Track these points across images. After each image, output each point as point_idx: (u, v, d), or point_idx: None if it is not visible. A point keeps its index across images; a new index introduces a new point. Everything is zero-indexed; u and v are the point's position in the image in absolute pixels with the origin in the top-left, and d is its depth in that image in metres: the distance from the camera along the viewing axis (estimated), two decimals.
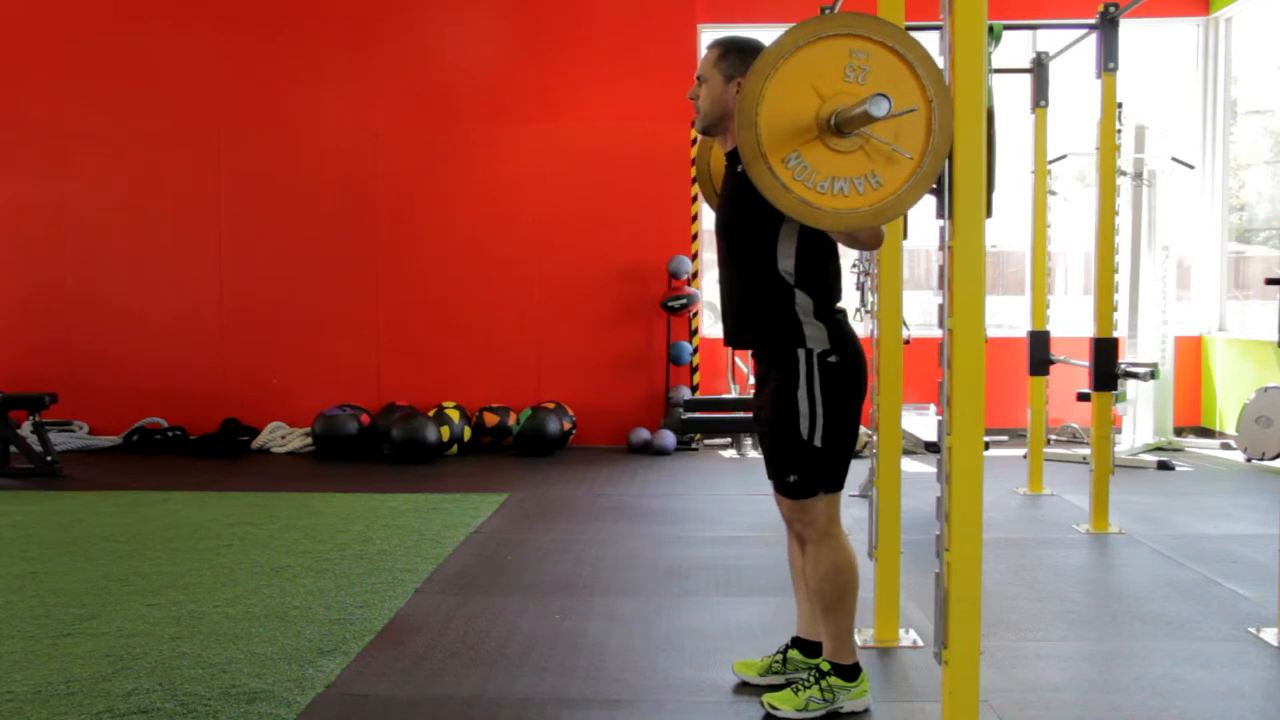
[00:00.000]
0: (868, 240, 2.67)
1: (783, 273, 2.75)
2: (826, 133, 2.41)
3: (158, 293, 8.09)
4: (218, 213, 8.05)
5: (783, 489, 2.80)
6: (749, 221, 2.72)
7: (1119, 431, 7.30)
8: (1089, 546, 4.83)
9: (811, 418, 2.73)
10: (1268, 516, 5.21)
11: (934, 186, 2.44)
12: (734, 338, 2.92)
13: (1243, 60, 8.12)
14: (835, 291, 2.82)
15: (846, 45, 2.41)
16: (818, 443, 2.74)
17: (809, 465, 2.76)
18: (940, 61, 2.42)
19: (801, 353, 2.75)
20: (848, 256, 6.34)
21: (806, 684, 2.86)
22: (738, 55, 2.77)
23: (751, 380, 2.84)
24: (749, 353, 2.96)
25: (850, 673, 2.87)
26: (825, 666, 2.86)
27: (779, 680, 3.07)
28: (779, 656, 3.10)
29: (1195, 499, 5.86)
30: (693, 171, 7.92)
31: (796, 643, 3.11)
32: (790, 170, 2.42)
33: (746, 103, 2.41)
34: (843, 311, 2.83)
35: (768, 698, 2.89)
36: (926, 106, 2.41)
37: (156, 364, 8.06)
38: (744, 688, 3.07)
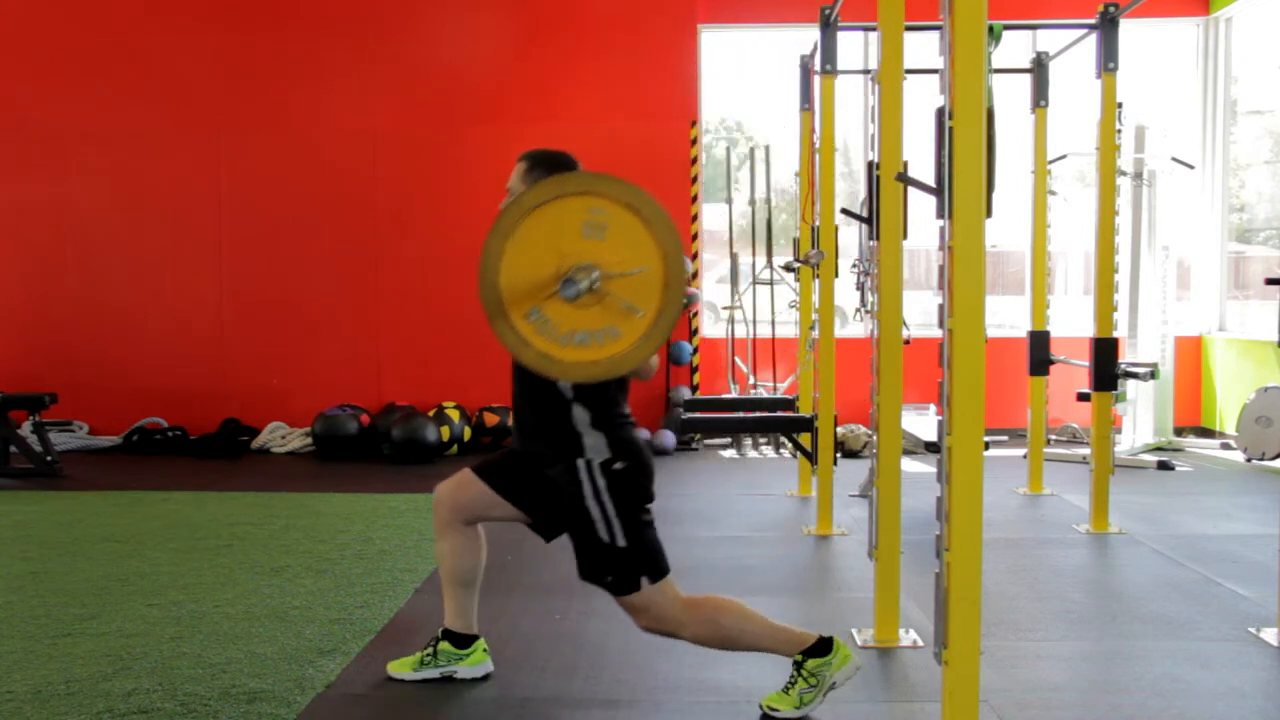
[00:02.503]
0: (638, 374, 2.78)
1: (559, 389, 2.81)
2: (559, 296, 2.49)
3: (158, 293, 8.09)
4: (218, 213, 8.05)
5: (607, 589, 2.86)
6: None
7: (1119, 431, 7.30)
8: (1089, 546, 4.83)
9: (607, 522, 2.81)
10: (1268, 516, 5.21)
11: (934, 188, 2.44)
12: (521, 443, 2.99)
13: (1243, 60, 8.12)
14: (617, 402, 2.88)
15: (584, 204, 2.50)
16: (620, 543, 2.81)
17: (620, 564, 2.82)
18: (940, 62, 2.42)
19: (582, 463, 2.82)
20: (847, 255, 6.34)
21: (792, 680, 2.86)
22: (544, 169, 2.88)
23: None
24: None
25: (821, 648, 2.85)
26: (798, 658, 2.86)
27: (434, 674, 3.13)
28: (430, 650, 3.17)
29: (1195, 499, 5.86)
30: (693, 171, 7.93)
31: (447, 634, 3.16)
32: (532, 325, 2.52)
33: (487, 261, 2.51)
34: (624, 415, 2.90)
35: (765, 701, 2.90)
36: (661, 264, 2.48)
37: (156, 364, 8.06)
38: (744, 689, 3.07)
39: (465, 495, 3.06)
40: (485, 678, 3.18)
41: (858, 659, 2.90)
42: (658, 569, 2.85)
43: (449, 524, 3.08)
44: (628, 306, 2.48)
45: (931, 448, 5.73)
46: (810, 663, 2.84)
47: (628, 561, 2.81)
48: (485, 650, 3.21)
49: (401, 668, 3.19)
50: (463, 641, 3.17)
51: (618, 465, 2.82)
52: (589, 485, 2.81)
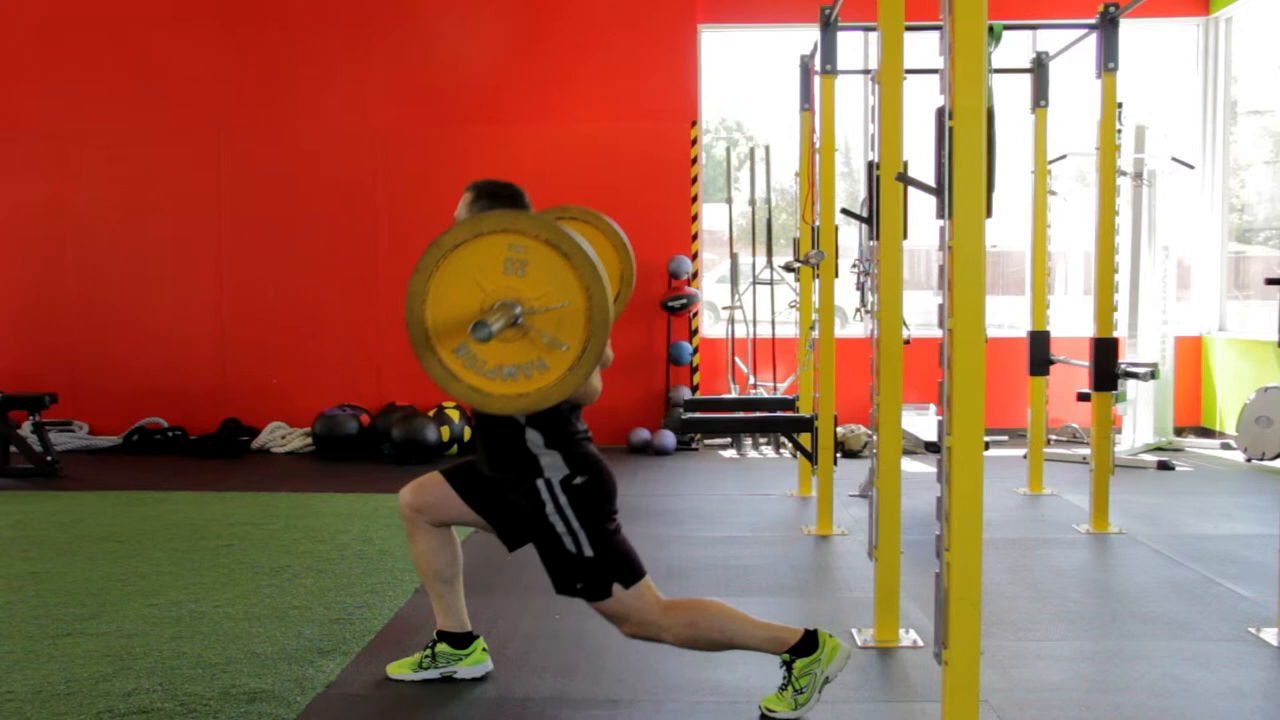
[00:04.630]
0: (579, 398, 2.84)
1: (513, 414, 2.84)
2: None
3: (158, 293, 8.09)
4: (218, 213, 8.05)
5: (580, 597, 2.89)
6: None
7: (1119, 431, 7.30)
8: (1089, 546, 4.83)
9: (573, 534, 2.85)
10: (1268, 516, 5.21)
11: (934, 188, 2.44)
12: (484, 467, 3.02)
13: (1243, 60, 8.12)
14: (570, 421, 2.92)
15: (504, 241, 2.55)
16: (588, 553, 2.85)
17: (589, 572, 2.86)
18: (940, 62, 2.42)
19: (541, 483, 2.87)
20: (847, 255, 6.34)
21: (785, 682, 2.86)
22: (489, 200, 2.95)
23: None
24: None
25: (807, 645, 2.84)
26: (786, 658, 2.86)
27: (434, 675, 3.16)
28: (429, 652, 3.19)
29: (1195, 499, 5.86)
30: (693, 171, 7.93)
31: (442, 636, 3.18)
32: (460, 360, 2.58)
33: (412, 300, 2.56)
34: (580, 431, 2.94)
35: (764, 702, 2.89)
36: (583, 297, 2.53)
37: (156, 364, 8.05)
38: (744, 689, 3.07)
39: (429, 497, 3.08)
40: (484, 677, 3.19)
41: (847, 646, 2.89)
42: (630, 574, 2.87)
43: (415, 524, 3.11)
44: (551, 340, 2.54)
45: (931, 448, 5.73)
46: (799, 663, 2.84)
47: (597, 569, 2.85)
48: (485, 649, 3.21)
49: (401, 669, 3.20)
50: (460, 641, 3.17)
51: (578, 480, 2.87)
52: (551, 503, 2.86)
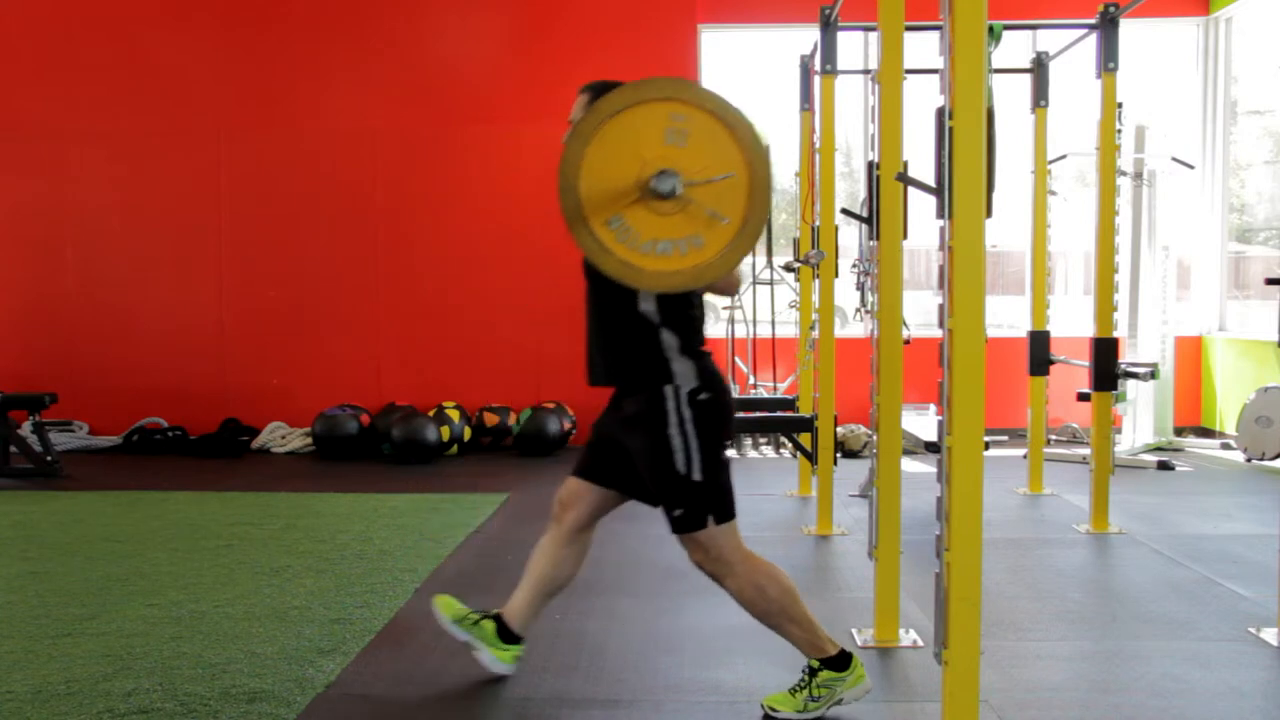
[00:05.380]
0: (724, 288, 2.78)
1: (644, 313, 2.77)
2: (648, 195, 2.44)
3: (158, 293, 8.09)
4: (218, 213, 8.05)
5: (672, 525, 2.83)
6: None
7: (1119, 431, 7.30)
8: (1089, 546, 4.83)
9: (686, 452, 2.77)
10: (1268, 516, 5.21)
11: (934, 188, 2.43)
12: (600, 376, 2.93)
13: (1243, 60, 8.12)
14: (700, 330, 2.85)
15: (666, 109, 2.44)
16: (696, 476, 2.77)
17: (692, 498, 2.79)
18: (940, 62, 2.41)
19: (669, 389, 2.76)
20: (847, 255, 6.34)
21: (802, 685, 2.86)
22: None
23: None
24: (615, 388, 2.96)
25: (839, 662, 2.86)
26: (815, 664, 2.86)
27: (463, 637, 3.13)
28: (476, 617, 3.15)
29: (1195, 499, 5.86)
30: None
31: (498, 622, 3.15)
32: (613, 233, 2.47)
33: (566, 167, 2.44)
34: (705, 345, 2.87)
35: (767, 700, 2.90)
36: (746, 170, 2.43)
37: (156, 364, 8.05)
38: (744, 689, 3.07)
39: (579, 496, 3.05)
40: (490, 679, 3.18)
41: (870, 683, 2.91)
42: (726, 511, 2.82)
43: (568, 533, 3.06)
44: (712, 214, 2.42)
45: (931, 448, 5.73)
46: (825, 674, 2.85)
47: (700, 497, 2.78)
48: (516, 658, 3.17)
49: (447, 606, 3.18)
50: (507, 635, 3.14)
51: (703, 396, 2.77)
52: (674, 414, 2.75)
